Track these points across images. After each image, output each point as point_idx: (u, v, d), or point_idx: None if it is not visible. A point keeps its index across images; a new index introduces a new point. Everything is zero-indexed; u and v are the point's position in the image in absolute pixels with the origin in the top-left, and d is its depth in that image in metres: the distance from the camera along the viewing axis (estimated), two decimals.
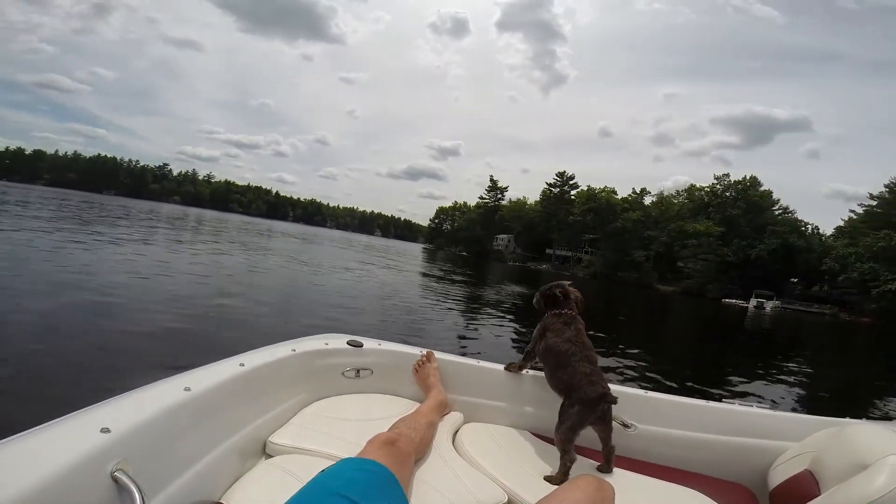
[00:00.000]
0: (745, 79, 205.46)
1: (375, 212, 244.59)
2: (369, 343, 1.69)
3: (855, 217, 51.23)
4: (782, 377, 7.50)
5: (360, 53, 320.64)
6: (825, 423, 1.46)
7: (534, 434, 1.57)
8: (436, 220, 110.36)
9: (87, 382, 2.88)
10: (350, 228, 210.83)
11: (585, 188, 68.70)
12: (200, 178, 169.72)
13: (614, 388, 1.45)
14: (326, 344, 1.60)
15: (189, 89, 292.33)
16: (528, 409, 1.63)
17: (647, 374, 5.95)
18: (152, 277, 7.15)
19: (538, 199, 75.86)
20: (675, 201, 64.21)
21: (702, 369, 7.54)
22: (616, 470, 1.40)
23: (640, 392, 1.65)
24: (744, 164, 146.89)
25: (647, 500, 1.31)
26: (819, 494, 1.13)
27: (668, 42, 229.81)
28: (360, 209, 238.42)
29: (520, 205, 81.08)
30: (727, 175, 58.60)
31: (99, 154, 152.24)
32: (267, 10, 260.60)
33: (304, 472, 1.00)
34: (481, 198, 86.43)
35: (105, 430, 0.79)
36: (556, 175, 73.17)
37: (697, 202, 60.43)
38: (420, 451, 1.22)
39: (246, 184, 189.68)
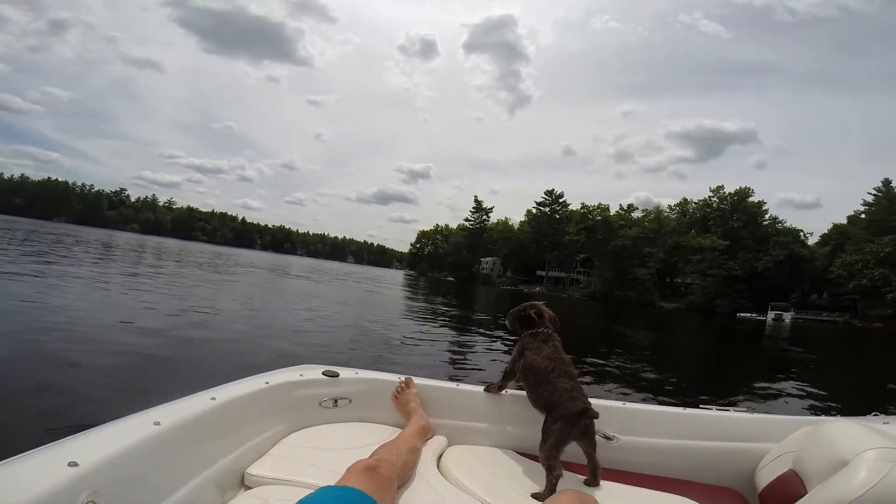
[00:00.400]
0: (697, 93, 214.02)
1: (347, 237, 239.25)
2: (346, 372, 1.69)
3: (843, 224, 51.94)
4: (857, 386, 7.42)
5: (328, 75, 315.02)
6: (803, 423, 1.47)
7: (518, 453, 1.55)
8: (417, 245, 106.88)
9: (49, 418, 2.73)
10: (321, 255, 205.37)
11: (579, 206, 66.88)
12: (161, 204, 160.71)
13: (595, 401, 1.46)
14: (301, 375, 1.60)
15: (149, 111, 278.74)
16: (511, 428, 1.62)
17: (699, 396, 5.71)
18: (108, 310, 6.79)
19: (522, 219, 74.25)
20: (669, 216, 63.34)
21: (759, 388, 6.92)
22: (603, 483, 1.39)
23: (620, 404, 1.65)
24: (699, 177, 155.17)
25: None
26: (805, 493, 1.14)
27: (625, 60, 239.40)
28: (331, 235, 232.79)
29: (507, 226, 78.59)
30: (721, 187, 58.23)
31: (49, 178, 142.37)
32: (232, 30, 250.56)
33: (285, 502, 1.02)
34: (466, 220, 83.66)
35: (73, 464, 0.79)
36: (545, 193, 71.50)
37: (692, 216, 59.80)
38: (403, 476, 1.22)
39: (210, 210, 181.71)
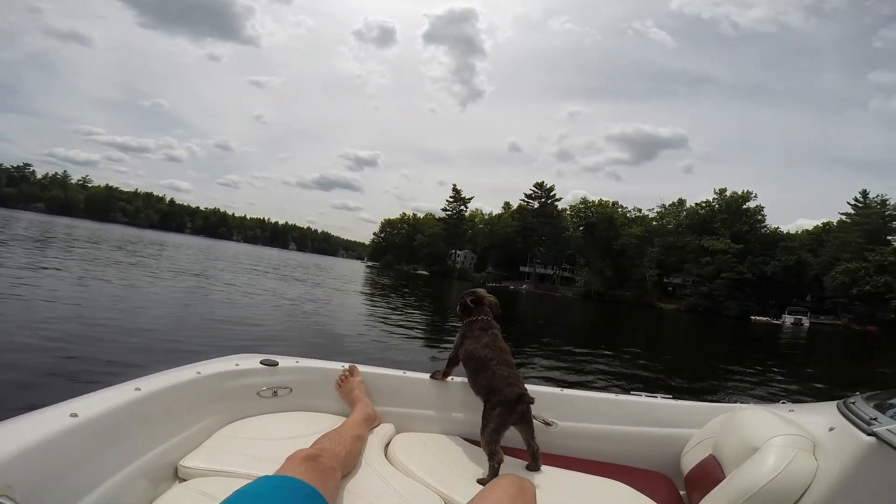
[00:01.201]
0: (639, 99, 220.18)
1: (290, 223, 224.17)
2: (285, 361, 1.66)
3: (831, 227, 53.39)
4: None
5: (275, 57, 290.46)
6: (721, 410, 1.55)
7: (464, 439, 1.59)
8: (381, 235, 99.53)
9: None
10: (260, 241, 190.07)
11: (580, 201, 63.51)
12: (74, 182, 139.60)
13: (534, 388, 1.54)
14: (237, 365, 1.56)
15: (68, 86, 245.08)
16: (457, 414, 1.65)
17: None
18: (10, 300, 6.11)
19: (498, 211, 69.97)
20: (657, 216, 61.88)
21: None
22: (544, 467, 1.44)
23: (558, 391, 1.69)
24: (632, 178, 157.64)
25: (574, 494, 1.37)
26: (724, 477, 1.20)
27: (576, 62, 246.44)
28: (271, 220, 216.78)
29: (490, 218, 73.87)
30: (725, 189, 57.76)
31: None
32: (176, 5, 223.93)
33: (222, 493, 0.97)
34: (444, 209, 77.92)
35: None
36: (535, 186, 67.79)
37: (691, 217, 58.69)
38: (347, 465, 1.21)
39: (133, 190, 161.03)
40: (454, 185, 77.13)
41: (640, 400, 1.66)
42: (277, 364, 1.63)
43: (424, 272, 73.19)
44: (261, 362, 1.62)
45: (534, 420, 1.46)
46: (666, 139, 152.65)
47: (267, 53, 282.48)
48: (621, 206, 62.66)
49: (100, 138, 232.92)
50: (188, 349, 4.80)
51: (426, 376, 1.70)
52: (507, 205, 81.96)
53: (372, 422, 1.53)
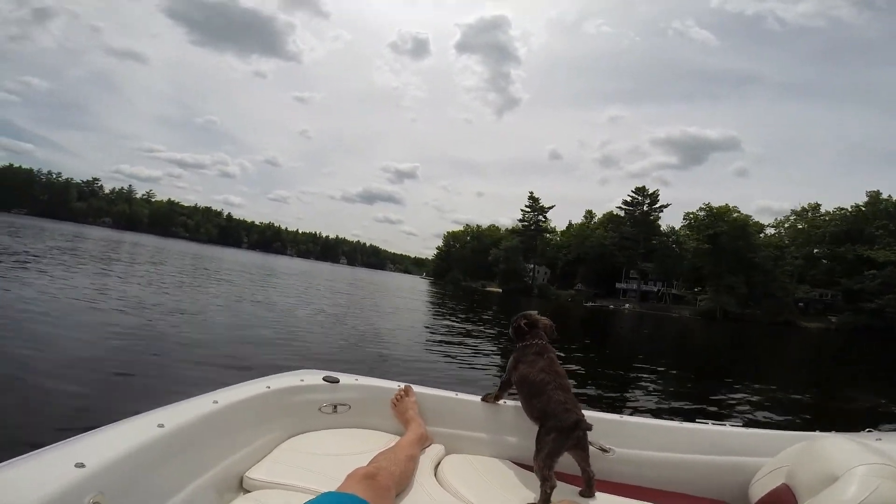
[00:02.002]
0: (683, 101, 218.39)
1: (340, 237, 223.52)
2: (346, 378, 1.70)
3: None
4: None
5: (316, 72, 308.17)
6: (797, 438, 1.49)
7: (515, 463, 1.57)
8: (444, 249, 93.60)
9: (56, 419, 2.78)
10: (312, 256, 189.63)
11: (702, 208, 54.61)
12: (138, 196, 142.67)
13: (590, 414, 1.52)
14: (302, 380, 1.61)
15: (129, 104, 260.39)
16: (508, 438, 1.63)
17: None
18: (107, 312, 6.48)
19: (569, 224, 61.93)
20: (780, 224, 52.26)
21: None
22: (598, 494, 1.40)
23: (617, 417, 1.66)
24: (681, 183, 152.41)
25: None
26: None
27: (614, 65, 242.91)
28: (322, 234, 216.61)
29: (581, 228, 65.86)
30: (879, 192, 47.34)
31: (10, 164, 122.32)
32: (222, 22, 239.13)
33: None
34: (520, 220, 70.69)
35: (79, 465, 0.81)
36: (635, 191, 59.54)
37: (837, 225, 48.90)
38: (401, 484, 1.23)
39: (193, 205, 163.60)
40: (531, 192, 70.04)
41: (707, 428, 1.62)
42: (339, 381, 1.66)
43: (497, 289, 66.16)
44: (323, 379, 1.65)
45: (590, 446, 1.41)
46: (715, 141, 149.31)
47: (308, 69, 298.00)
48: (737, 212, 53.59)
49: (160, 155, 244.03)
50: (271, 363, 4.84)
51: (478, 398, 1.68)
52: (589, 213, 74.00)
53: (424, 442, 1.54)
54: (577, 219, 69.30)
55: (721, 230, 49.53)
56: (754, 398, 6.30)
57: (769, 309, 47.00)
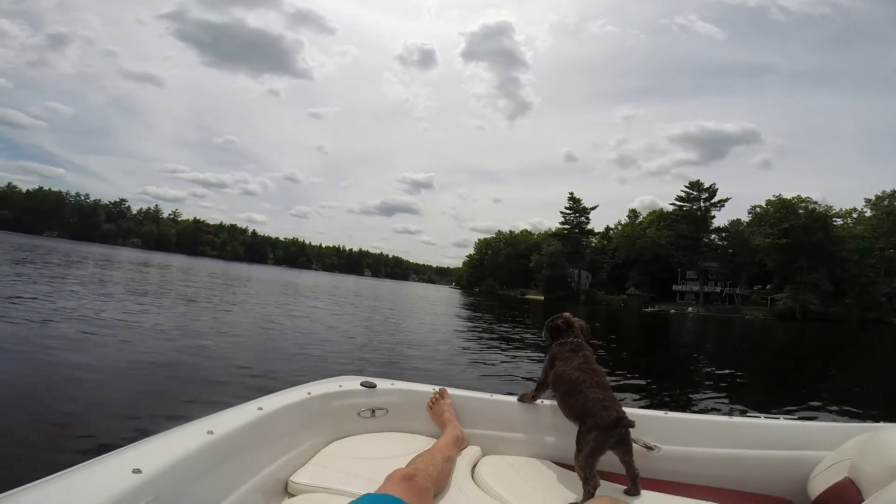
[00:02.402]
0: (695, 95, 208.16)
1: (363, 249, 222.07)
2: (382, 383, 1.74)
3: None
4: None
5: (328, 88, 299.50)
6: (859, 430, 1.43)
7: (554, 462, 1.55)
8: (475, 257, 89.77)
9: (112, 426, 2.99)
10: (337, 269, 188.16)
11: (774, 198, 49.50)
12: (165, 216, 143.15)
13: (634, 411, 1.47)
14: (340, 386, 1.66)
15: (150, 126, 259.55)
16: (547, 437, 1.62)
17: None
18: (155, 328, 6.90)
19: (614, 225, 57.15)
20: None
21: None
22: (644, 492, 1.37)
23: (661, 413, 1.63)
24: (703, 179, 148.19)
25: None
26: (862, 500, 1.14)
27: (623, 64, 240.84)
28: (346, 248, 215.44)
29: (631, 228, 61.20)
30: None
31: (40, 188, 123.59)
32: (231, 43, 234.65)
33: None
34: (562, 223, 66.42)
35: (136, 471, 0.85)
36: (689, 186, 54.71)
37: None
38: (438, 485, 1.25)
39: (218, 223, 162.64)
40: (571, 193, 65.80)
41: (759, 422, 1.56)
42: (376, 386, 1.70)
43: (537, 297, 61.93)
44: (361, 384, 1.69)
45: (634, 444, 1.38)
46: (734, 135, 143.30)
47: (320, 85, 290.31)
48: (812, 203, 48.32)
49: (184, 175, 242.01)
50: (310, 370, 5.19)
51: (514, 399, 1.68)
52: (633, 212, 69.32)
53: (460, 443, 1.56)
54: (602, 220, 65.07)
55: (796, 223, 44.45)
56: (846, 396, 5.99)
57: (858, 306, 42.14)
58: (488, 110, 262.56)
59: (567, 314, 1.65)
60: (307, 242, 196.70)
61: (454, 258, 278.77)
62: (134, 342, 5.71)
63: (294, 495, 1.25)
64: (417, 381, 1.85)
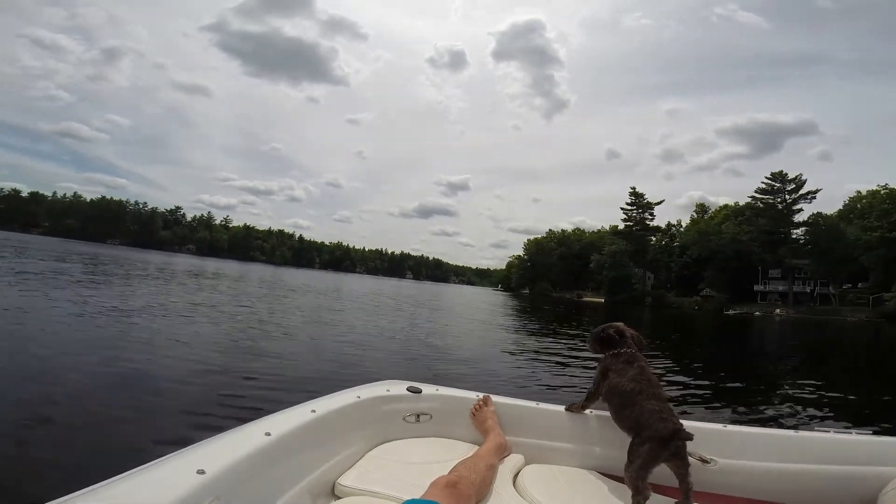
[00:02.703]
0: (742, 87, 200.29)
1: (404, 252, 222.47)
2: (428, 389, 1.74)
3: None
4: None
5: (364, 93, 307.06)
6: None
7: (602, 473, 1.51)
8: (525, 258, 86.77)
9: (174, 427, 3.08)
10: (380, 272, 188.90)
11: (880, 188, 44.40)
12: (217, 223, 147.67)
13: (690, 423, 1.44)
14: (388, 390, 1.67)
15: (201, 136, 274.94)
16: (594, 448, 1.58)
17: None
18: (215, 334, 7.10)
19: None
20: None
21: None
22: None
23: (720, 426, 1.58)
24: (756, 173, 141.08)
25: None
26: None
27: (662, 57, 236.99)
28: (388, 251, 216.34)
29: (706, 224, 56.67)
30: None
31: (103, 197, 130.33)
32: (271, 53, 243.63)
33: None
34: (624, 219, 62.63)
35: (201, 472, 0.88)
36: (770, 177, 49.85)
37: None
38: (480, 493, 1.25)
39: (267, 228, 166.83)
40: (633, 187, 61.84)
41: (825, 436, 1.48)
42: (421, 391, 1.70)
43: (596, 299, 58.49)
44: (407, 389, 1.70)
45: (689, 457, 1.34)
46: (789, 126, 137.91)
47: (356, 91, 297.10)
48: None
49: (234, 183, 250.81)
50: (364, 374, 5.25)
51: (560, 408, 1.66)
52: (700, 207, 64.59)
53: (503, 451, 1.54)
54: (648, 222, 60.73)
55: None
56: None
57: None
58: (524, 109, 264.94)
59: (619, 324, 1.60)
60: (351, 246, 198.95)
61: (492, 259, 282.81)
62: (193, 346, 5.87)
63: (340, 497, 1.25)
64: (461, 388, 1.82)
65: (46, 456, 2.50)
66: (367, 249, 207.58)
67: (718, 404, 5.24)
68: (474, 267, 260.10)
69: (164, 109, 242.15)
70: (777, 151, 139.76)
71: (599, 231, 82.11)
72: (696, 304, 51.96)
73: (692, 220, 62.67)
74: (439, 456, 1.48)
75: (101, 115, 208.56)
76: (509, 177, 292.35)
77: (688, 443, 1.30)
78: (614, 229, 65.68)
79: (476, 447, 1.55)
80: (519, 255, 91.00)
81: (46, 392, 3.46)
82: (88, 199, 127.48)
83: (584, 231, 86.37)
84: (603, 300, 58.32)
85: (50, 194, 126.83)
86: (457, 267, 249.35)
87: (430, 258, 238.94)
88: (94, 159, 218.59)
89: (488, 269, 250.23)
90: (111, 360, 4.58)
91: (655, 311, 39.68)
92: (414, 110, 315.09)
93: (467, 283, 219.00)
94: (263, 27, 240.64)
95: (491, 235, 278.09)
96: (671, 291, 57.77)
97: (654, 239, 62.11)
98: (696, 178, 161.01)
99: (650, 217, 61.01)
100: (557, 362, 7.54)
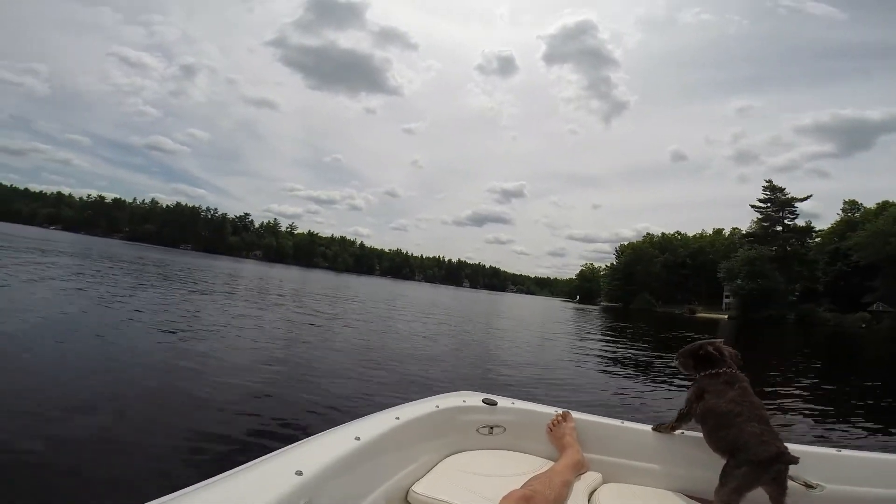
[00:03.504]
0: (821, 82, 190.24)
1: (462, 260, 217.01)
2: (503, 401, 1.73)
3: None
4: None
5: (417, 103, 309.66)
6: None
7: (687, 495, 1.44)
8: (619, 266, 77.77)
9: (268, 429, 3.15)
10: (437, 280, 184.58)
11: None
12: (283, 229, 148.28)
13: (798, 447, 1.36)
14: (464, 401, 1.67)
15: (270, 147, 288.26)
16: (680, 469, 1.50)
17: None
18: (305, 341, 7.23)
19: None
20: None
21: None
22: None
23: (833, 451, 1.46)
24: (844, 173, 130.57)
25: None
26: None
27: (727, 53, 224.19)
28: (445, 258, 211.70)
29: (884, 224, 46.60)
30: None
31: (177, 203, 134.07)
32: (329, 65, 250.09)
33: None
34: (760, 219, 53.28)
35: (298, 473, 0.90)
36: None
37: None
38: None
39: (329, 235, 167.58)
40: (769, 181, 52.48)
41: None
42: (497, 404, 1.69)
43: (713, 315, 49.50)
44: (483, 400, 1.69)
45: (792, 482, 1.27)
46: (880, 122, 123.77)
47: (410, 101, 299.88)
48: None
49: (300, 193, 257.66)
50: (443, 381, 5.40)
51: (645, 427, 1.59)
52: (851, 204, 53.95)
53: (580, 468, 1.49)
54: (709, 225, 51.17)
55: None
56: None
57: None
58: (580, 113, 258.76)
59: (718, 341, 1.50)
60: (409, 254, 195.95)
61: (549, 268, 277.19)
62: (279, 352, 6.16)
63: None
64: (537, 402, 1.80)
65: (163, 453, 2.61)
66: (424, 257, 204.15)
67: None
68: (532, 276, 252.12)
69: (236, 123, 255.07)
70: (867, 150, 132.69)
71: (704, 235, 73.99)
72: (863, 321, 42.19)
73: (841, 220, 52.23)
74: (510, 469, 1.45)
75: (182, 128, 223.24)
76: (566, 183, 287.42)
77: (792, 467, 1.23)
78: (736, 231, 56.29)
79: (549, 463, 1.51)
80: (589, 264, 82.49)
81: (160, 395, 3.67)
82: (164, 205, 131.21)
83: (683, 233, 76.88)
84: (725, 316, 49.30)
85: (116, 197, 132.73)
86: (514, 275, 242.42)
87: (487, 266, 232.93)
88: (179, 171, 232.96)
89: (549, 279, 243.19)
90: (203, 364, 4.76)
91: (804, 330, 31.75)
92: (466, 118, 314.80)
93: (526, 293, 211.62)
94: (320, 40, 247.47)
95: (548, 243, 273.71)
96: (820, 307, 47.84)
97: (805, 242, 52.06)
98: (775, 180, 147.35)
99: (791, 216, 51.41)
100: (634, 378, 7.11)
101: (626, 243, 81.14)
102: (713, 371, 1.43)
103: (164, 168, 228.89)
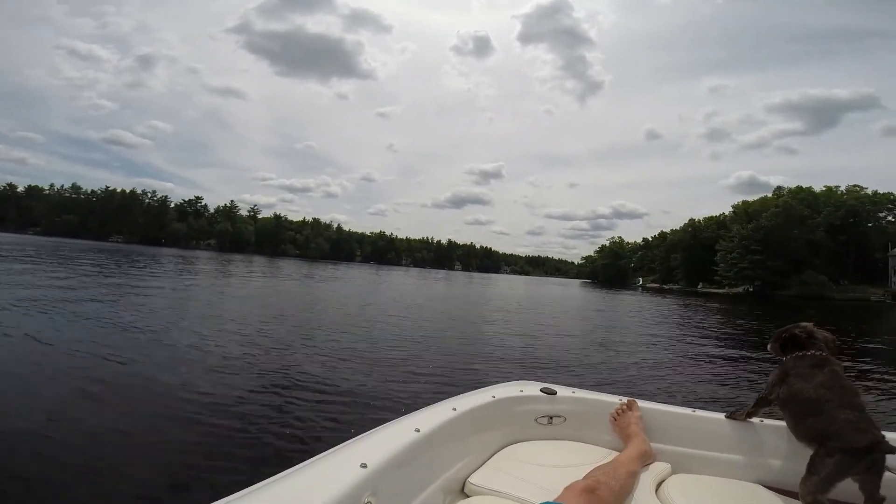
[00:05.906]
0: (793, 63, 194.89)
1: (452, 241, 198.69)
2: (563, 391, 1.70)
3: None
4: None
5: (392, 86, 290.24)
6: None
7: (766, 486, 1.35)
8: (656, 242, 60.48)
9: (332, 421, 3.35)
10: (427, 264, 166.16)
11: None
12: (244, 214, 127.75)
13: (893, 435, 1.26)
14: (521, 391, 1.65)
15: (239, 137, 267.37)
16: (758, 459, 1.42)
17: None
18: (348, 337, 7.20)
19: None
20: None
21: None
22: None
23: None
24: (812, 150, 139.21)
25: None
26: None
27: (702, 34, 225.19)
28: (434, 240, 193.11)
29: None
30: None
31: (107, 187, 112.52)
32: (298, 51, 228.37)
33: None
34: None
35: (363, 466, 0.90)
36: None
37: None
38: (619, 500, 1.17)
39: (301, 219, 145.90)
40: None
41: None
42: (556, 393, 1.66)
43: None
44: (541, 390, 1.66)
45: (889, 471, 1.17)
46: (848, 101, 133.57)
47: (384, 84, 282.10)
48: None
49: (272, 182, 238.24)
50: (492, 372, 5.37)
51: (719, 415, 1.53)
52: None
53: (646, 459, 1.43)
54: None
55: None
56: None
57: None
58: (555, 93, 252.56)
59: (808, 324, 1.41)
60: (394, 237, 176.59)
61: (527, 246, 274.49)
62: (337, 351, 6.14)
63: (469, 496, 1.25)
64: (600, 391, 1.77)
65: (237, 449, 2.75)
66: (411, 239, 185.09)
67: None
68: (523, 255, 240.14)
69: (201, 113, 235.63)
70: (834, 126, 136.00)
71: (859, 190, 51.43)
72: None
73: None
74: (571, 460, 1.42)
75: (143, 121, 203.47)
76: (543, 163, 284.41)
77: (889, 457, 1.15)
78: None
79: (612, 453, 1.46)
80: (618, 238, 65.02)
81: (228, 392, 3.89)
82: (89, 192, 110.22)
83: (836, 190, 54.91)
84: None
85: (31, 184, 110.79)
86: (506, 256, 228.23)
87: (478, 247, 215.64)
88: (143, 164, 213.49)
89: (540, 257, 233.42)
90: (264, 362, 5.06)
91: None
92: (442, 100, 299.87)
93: (520, 273, 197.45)
94: (287, 25, 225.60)
95: (527, 223, 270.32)
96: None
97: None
98: (745, 157, 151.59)
99: None
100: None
101: (749, 199, 59.40)
102: (800, 353, 1.34)
103: (125, 163, 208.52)
